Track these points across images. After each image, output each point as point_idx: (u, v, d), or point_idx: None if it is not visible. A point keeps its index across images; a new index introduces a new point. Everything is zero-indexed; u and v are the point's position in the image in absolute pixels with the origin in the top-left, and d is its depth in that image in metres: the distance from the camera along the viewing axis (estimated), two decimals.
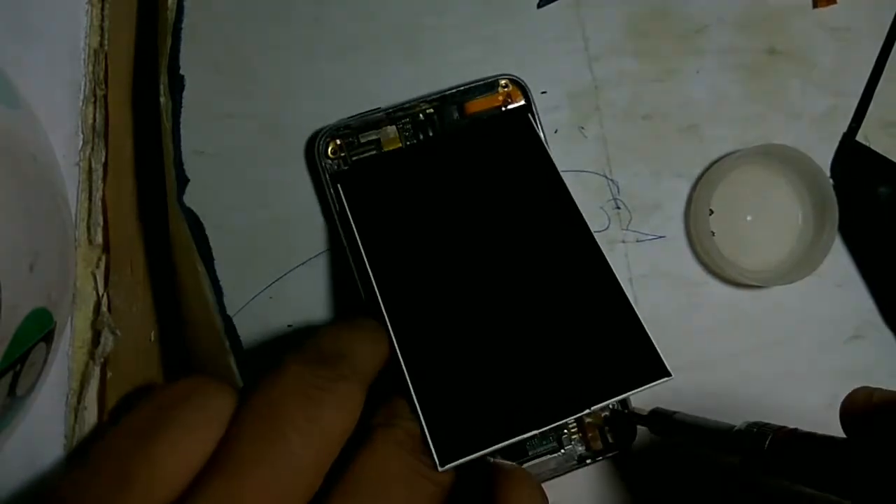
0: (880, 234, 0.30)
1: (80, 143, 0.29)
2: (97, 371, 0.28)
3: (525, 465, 0.26)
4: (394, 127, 0.27)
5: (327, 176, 0.27)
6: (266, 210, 0.28)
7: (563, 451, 0.27)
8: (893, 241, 0.30)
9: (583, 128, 0.30)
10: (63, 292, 0.27)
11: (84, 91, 0.29)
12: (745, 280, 0.29)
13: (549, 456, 0.27)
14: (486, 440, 0.22)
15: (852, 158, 0.31)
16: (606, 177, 0.30)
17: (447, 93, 0.27)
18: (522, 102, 0.28)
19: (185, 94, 0.28)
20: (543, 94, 0.30)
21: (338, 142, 0.27)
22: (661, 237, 0.30)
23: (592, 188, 0.30)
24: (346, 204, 0.26)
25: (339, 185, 0.26)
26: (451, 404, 0.23)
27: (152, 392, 0.21)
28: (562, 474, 0.27)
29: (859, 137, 0.31)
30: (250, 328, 0.28)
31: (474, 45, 0.30)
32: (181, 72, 0.28)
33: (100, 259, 0.29)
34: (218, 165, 0.28)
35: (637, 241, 0.30)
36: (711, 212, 0.30)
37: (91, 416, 0.27)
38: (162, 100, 0.28)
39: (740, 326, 0.30)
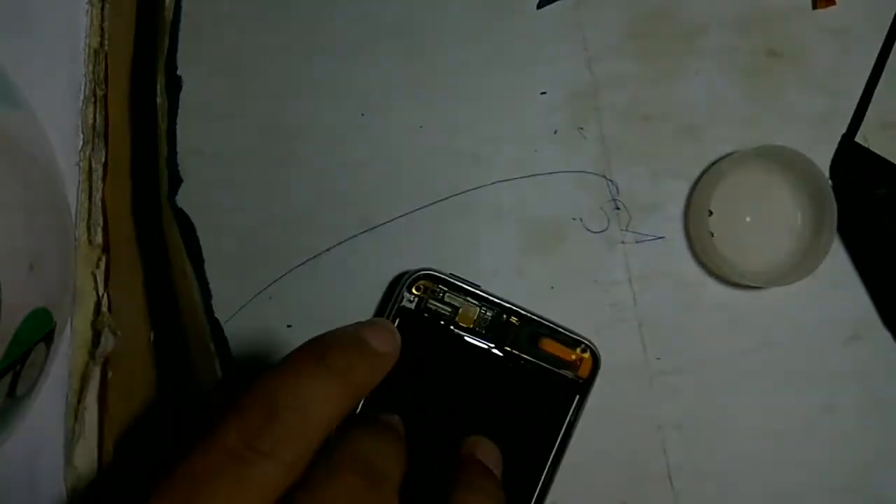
0: (878, 235, 0.31)
1: (80, 143, 0.29)
2: (97, 371, 0.28)
3: None
4: (477, 309, 0.27)
5: (397, 306, 0.27)
6: (265, 210, 0.28)
7: None
8: (891, 242, 0.30)
9: (582, 128, 0.30)
10: (63, 292, 0.27)
11: (84, 91, 0.29)
12: (745, 281, 0.29)
13: None
14: None
15: (851, 159, 0.31)
16: (606, 177, 0.30)
17: (537, 319, 0.28)
18: (586, 377, 0.28)
19: (184, 94, 0.28)
20: (543, 95, 0.30)
21: (427, 286, 0.27)
22: (660, 238, 0.30)
23: (592, 189, 0.30)
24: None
25: (398, 319, 0.27)
26: None
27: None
28: None
29: (858, 138, 0.31)
30: (249, 328, 0.28)
31: (474, 46, 0.30)
32: (179, 72, 0.28)
33: (100, 259, 0.29)
34: (217, 165, 0.28)
35: (636, 242, 0.30)
36: (710, 213, 0.30)
37: (91, 416, 0.27)
38: (158, 100, 0.28)
39: (739, 327, 0.30)
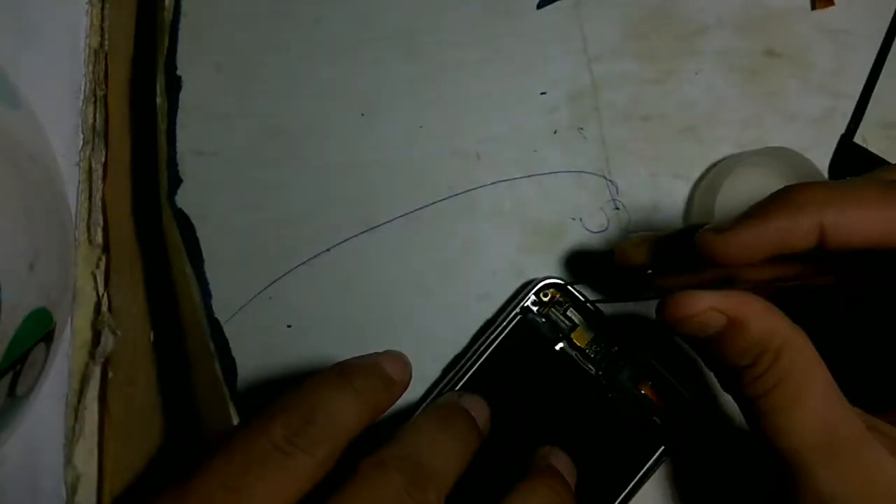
0: None
1: (81, 142, 0.29)
2: (97, 371, 0.28)
3: None
4: (592, 333, 0.28)
5: (519, 307, 0.27)
6: (266, 210, 0.28)
7: None
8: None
9: (582, 129, 0.30)
10: (63, 292, 0.27)
11: (84, 91, 0.29)
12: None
13: None
14: None
15: (850, 160, 0.31)
16: (605, 177, 0.30)
17: (648, 362, 0.27)
18: (664, 431, 0.27)
19: (185, 94, 0.28)
20: (543, 95, 0.30)
21: (554, 296, 0.28)
22: None
23: (591, 189, 0.30)
24: (505, 332, 0.27)
25: (518, 317, 0.27)
26: None
27: None
28: None
29: (857, 139, 0.31)
30: (250, 328, 0.28)
31: (474, 46, 0.30)
32: (179, 72, 0.28)
33: (100, 259, 0.29)
34: (217, 165, 0.28)
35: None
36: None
37: (91, 416, 0.27)
38: (158, 100, 0.28)
39: None
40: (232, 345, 0.27)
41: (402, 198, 0.29)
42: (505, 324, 0.27)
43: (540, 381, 0.27)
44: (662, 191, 0.30)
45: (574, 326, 0.28)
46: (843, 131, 0.31)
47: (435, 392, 0.27)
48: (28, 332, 0.24)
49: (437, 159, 0.29)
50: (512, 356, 0.27)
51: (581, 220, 0.30)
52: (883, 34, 0.32)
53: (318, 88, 0.29)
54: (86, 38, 0.29)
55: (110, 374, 0.28)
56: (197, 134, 0.28)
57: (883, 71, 0.31)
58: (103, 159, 0.29)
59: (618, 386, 0.27)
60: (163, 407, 0.28)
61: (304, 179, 0.29)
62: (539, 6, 0.30)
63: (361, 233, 0.29)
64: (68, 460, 0.27)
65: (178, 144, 0.28)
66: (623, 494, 0.27)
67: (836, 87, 0.31)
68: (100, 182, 0.29)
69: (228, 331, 0.27)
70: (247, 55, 0.29)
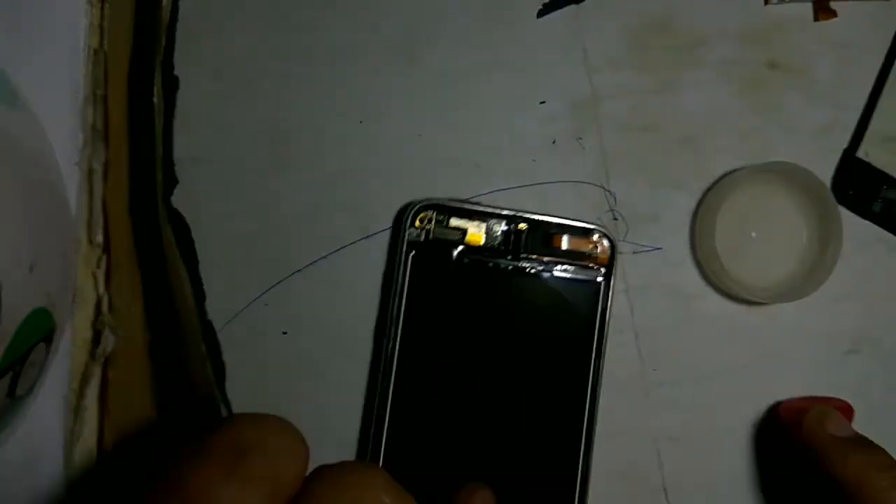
0: None
1: (81, 143, 0.29)
2: (98, 371, 0.28)
3: None
4: (484, 224, 0.28)
5: (405, 243, 0.27)
6: (262, 217, 0.29)
7: None
8: None
9: (581, 139, 0.30)
10: (63, 292, 0.28)
11: (84, 91, 0.29)
12: (752, 298, 0.29)
13: None
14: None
15: (853, 175, 0.31)
16: (604, 188, 0.30)
17: (545, 218, 0.28)
18: (607, 262, 0.28)
19: (183, 100, 0.28)
20: (542, 105, 0.30)
21: (429, 214, 0.28)
22: (658, 248, 0.30)
23: (590, 199, 0.30)
24: (408, 274, 0.27)
25: (411, 255, 0.27)
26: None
27: None
28: None
29: (860, 153, 0.31)
30: (245, 334, 0.28)
31: (473, 55, 0.29)
32: (176, 73, 0.28)
33: (100, 259, 0.29)
34: (215, 172, 0.28)
35: (634, 253, 0.30)
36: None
37: (91, 415, 0.28)
38: (155, 100, 0.28)
39: (736, 339, 0.30)
40: (227, 350, 0.27)
41: (400, 206, 0.29)
42: (403, 268, 0.27)
43: (471, 297, 0.28)
44: (661, 202, 0.30)
45: (464, 232, 0.28)
46: (844, 144, 0.31)
47: (382, 363, 0.27)
48: (28, 332, 0.25)
49: (436, 168, 0.29)
50: (432, 291, 0.27)
51: None
52: (886, 45, 0.31)
53: (316, 95, 0.29)
54: (85, 38, 0.29)
55: (110, 374, 0.28)
56: (195, 140, 0.28)
57: (886, 85, 0.31)
58: (103, 159, 0.29)
59: (536, 255, 0.28)
60: (161, 407, 0.28)
61: (302, 186, 0.29)
62: (539, 15, 0.30)
63: (359, 240, 0.29)
64: (68, 460, 0.27)
65: (176, 150, 0.28)
66: (595, 346, 0.28)
67: (837, 100, 0.31)
68: (100, 182, 0.29)
69: (224, 336, 0.27)
70: (245, 62, 0.29)
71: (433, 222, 0.27)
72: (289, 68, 0.29)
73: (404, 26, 0.29)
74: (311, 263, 0.28)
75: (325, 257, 0.29)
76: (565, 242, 0.28)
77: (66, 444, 0.27)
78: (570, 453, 0.28)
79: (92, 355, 0.28)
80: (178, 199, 0.28)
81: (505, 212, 0.28)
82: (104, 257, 0.29)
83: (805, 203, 0.30)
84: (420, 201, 0.28)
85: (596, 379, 0.28)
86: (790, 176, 0.30)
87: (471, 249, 0.28)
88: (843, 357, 0.31)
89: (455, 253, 0.27)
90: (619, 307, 0.30)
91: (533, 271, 0.28)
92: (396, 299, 0.27)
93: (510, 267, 0.28)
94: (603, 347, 0.28)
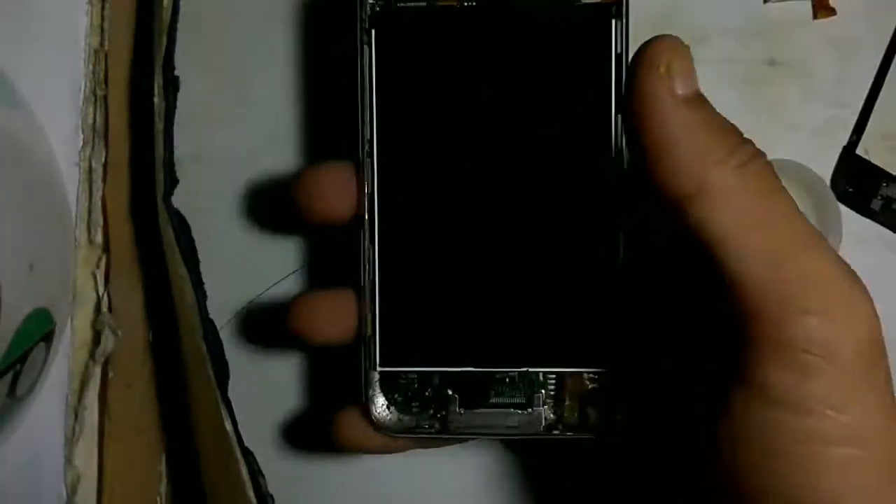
0: None
1: (80, 143, 0.29)
2: (98, 371, 0.28)
3: (482, 412, 0.23)
4: None
5: (367, 14, 0.22)
6: (262, 216, 0.29)
7: (529, 410, 0.23)
8: None
9: None
10: (63, 292, 0.28)
11: (84, 91, 0.29)
12: None
13: (513, 410, 0.23)
14: (435, 359, 0.22)
15: (852, 172, 0.31)
16: None
17: None
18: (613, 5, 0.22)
19: (184, 98, 0.28)
20: None
21: None
22: None
23: None
24: (373, 52, 0.22)
25: (372, 30, 0.22)
26: (413, 310, 0.22)
27: None
28: (519, 437, 0.23)
29: (859, 151, 0.31)
30: (245, 334, 0.28)
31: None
32: (176, 73, 0.28)
33: (100, 259, 0.29)
34: (215, 170, 0.28)
35: None
36: None
37: (91, 416, 0.27)
38: (155, 100, 0.28)
39: None
40: (227, 349, 0.27)
41: None
42: (367, 47, 0.22)
43: (459, 63, 0.22)
44: None
45: None
46: (844, 142, 0.31)
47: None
48: (28, 332, 0.25)
49: None
50: (407, 68, 0.22)
51: None
52: (885, 44, 0.31)
53: (316, 94, 0.29)
54: (86, 38, 0.29)
55: (110, 375, 0.28)
56: (196, 140, 0.28)
57: (886, 82, 0.31)
58: (103, 159, 0.29)
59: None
60: (161, 408, 0.28)
61: None
62: None
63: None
64: (68, 460, 0.27)
65: (176, 148, 0.28)
66: (613, 101, 0.22)
67: (838, 97, 0.31)
68: (100, 182, 0.29)
69: (223, 335, 0.27)
70: (246, 61, 0.29)
71: None
72: (289, 67, 0.29)
73: None
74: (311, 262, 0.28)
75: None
76: None
77: (66, 444, 0.27)
78: (607, 256, 0.22)
79: (92, 355, 0.28)
80: (179, 199, 0.28)
81: None
82: (104, 257, 0.29)
83: (804, 200, 0.30)
84: None
85: (618, 149, 0.22)
86: (789, 173, 0.30)
87: (445, 11, 0.22)
88: None
89: (425, 21, 0.22)
90: None
91: (522, 24, 0.22)
92: (365, 85, 0.22)
93: (494, 24, 0.22)
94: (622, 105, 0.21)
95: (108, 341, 0.28)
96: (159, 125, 0.28)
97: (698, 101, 0.20)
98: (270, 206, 0.29)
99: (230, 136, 0.29)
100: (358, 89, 0.23)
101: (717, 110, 0.30)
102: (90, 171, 0.29)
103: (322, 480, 0.28)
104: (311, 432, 0.28)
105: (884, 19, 0.31)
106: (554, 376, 0.23)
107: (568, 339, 0.22)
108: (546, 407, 0.23)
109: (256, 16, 0.29)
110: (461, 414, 0.23)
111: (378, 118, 0.23)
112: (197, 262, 0.27)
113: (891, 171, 0.31)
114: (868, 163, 0.31)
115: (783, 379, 0.17)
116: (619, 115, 0.22)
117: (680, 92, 0.19)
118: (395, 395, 0.23)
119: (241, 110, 0.29)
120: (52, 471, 0.27)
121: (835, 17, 0.31)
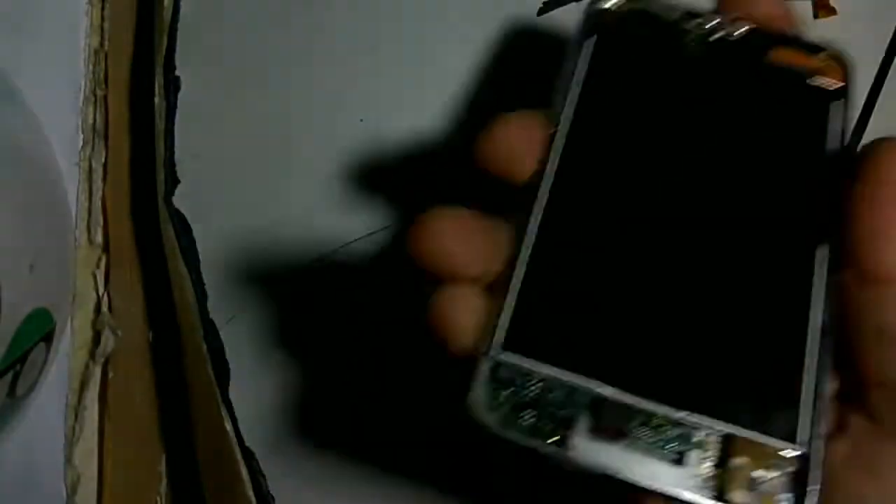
0: None
1: (80, 143, 0.29)
2: (98, 371, 0.28)
3: (613, 446, 0.17)
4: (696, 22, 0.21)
5: (590, 21, 0.20)
6: (264, 215, 0.29)
7: (680, 466, 0.17)
8: None
9: None
10: (63, 292, 0.28)
11: (84, 91, 0.29)
12: None
13: (656, 460, 0.17)
14: (576, 361, 0.17)
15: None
16: None
17: (764, 31, 0.21)
18: (840, 84, 0.22)
19: (184, 97, 0.28)
20: None
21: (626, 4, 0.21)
22: None
23: None
24: (589, 62, 0.20)
25: (595, 36, 0.20)
26: (567, 292, 0.18)
27: None
28: (652, 491, 0.17)
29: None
30: (246, 333, 0.28)
31: (474, 52, 0.29)
32: (177, 73, 0.28)
33: (100, 259, 0.29)
34: (215, 169, 0.28)
35: None
36: None
37: (91, 416, 0.27)
38: (156, 100, 0.28)
39: None
40: (227, 349, 0.27)
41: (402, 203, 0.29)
42: (577, 53, 0.20)
43: (685, 96, 0.20)
44: None
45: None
46: (844, 141, 0.31)
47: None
48: (28, 332, 0.25)
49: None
50: (624, 91, 0.20)
51: None
52: (884, 44, 0.31)
53: (316, 93, 0.29)
54: (86, 38, 0.29)
55: (110, 375, 0.28)
56: (196, 138, 0.28)
57: (885, 85, 0.31)
58: (103, 159, 0.29)
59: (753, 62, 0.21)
60: (161, 408, 0.28)
61: (304, 184, 0.29)
62: (540, 13, 0.30)
63: (359, 238, 0.29)
64: (68, 460, 0.27)
65: (177, 148, 0.28)
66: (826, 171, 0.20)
67: None
68: (100, 182, 0.29)
69: (224, 334, 0.27)
70: (246, 60, 0.29)
71: (627, 14, 0.20)
72: (289, 66, 0.29)
73: (405, 24, 0.29)
74: (312, 261, 0.28)
75: (325, 256, 0.29)
76: (787, 55, 0.21)
77: (66, 444, 0.27)
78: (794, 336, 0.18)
79: (92, 355, 0.28)
80: (179, 199, 0.28)
81: (719, 17, 0.21)
82: (104, 257, 0.29)
83: None
84: None
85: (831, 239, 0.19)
86: None
87: (681, 37, 0.20)
88: None
89: (658, 40, 0.20)
90: None
91: (750, 80, 0.20)
92: (567, 89, 0.20)
93: (726, 67, 0.20)
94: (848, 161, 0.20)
95: (108, 341, 0.28)
96: (160, 125, 0.28)
97: None
98: (271, 205, 0.29)
99: (230, 136, 0.29)
100: (569, 79, 0.20)
101: None
102: (90, 171, 0.29)
103: (322, 480, 0.28)
104: (312, 432, 0.28)
105: (884, 19, 0.31)
106: (721, 437, 0.17)
107: (751, 397, 0.18)
108: (704, 468, 0.17)
109: (257, 16, 0.29)
110: (589, 443, 0.17)
111: (578, 118, 0.20)
112: (197, 261, 0.28)
113: None
114: None
115: None
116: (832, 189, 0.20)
117: None
118: (506, 393, 0.17)
119: (241, 110, 0.29)
120: (52, 471, 0.27)
121: (835, 17, 0.31)
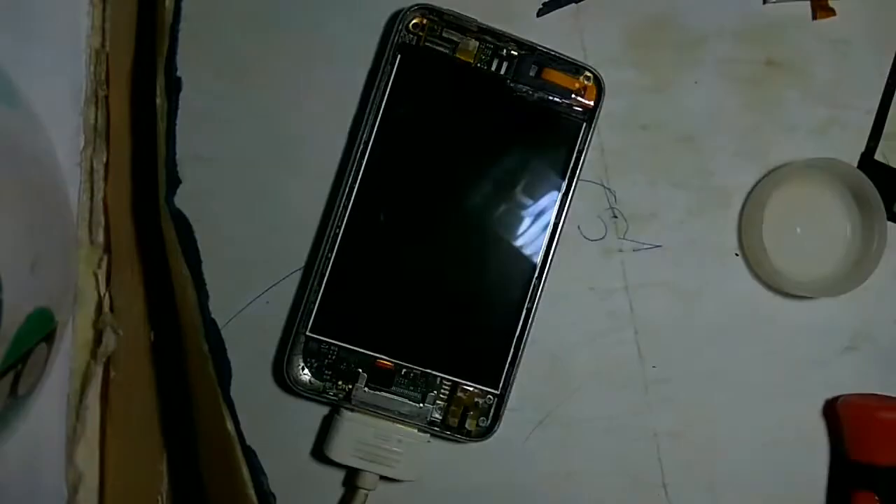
0: None
1: (82, 143, 0.29)
2: (99, 371, 0.28)
3: (383, 395, 0.28)
4: (476, 43, 0.27)
5: (395, 43, 0.27)
6: (264, 215, 0.29)
7: (420, 405, 0.28)
8: None
9: None
10: (64, 292, 0.28)
11: (86, 92, 0.29)
12: (799, 292, 0.30)
13: (405, 400, 0.28)
14: (358, 339, 0.27)
15: (872, 176, 0.30)
16: (604, 186, 0.30)
17: (539, 48, 0.28)
18: (591, 104, 0.28)
19: (185, 99, 0.28)
20: None
21: (425, 21, 0.27)
22: (657, 246, 0.30)
23: (590, 197, 0.30)
24: (392, 77, 0.27)
25: (398, 56, 0.27)
26: (355, 295, 0.27)
27: None
28: (404, 424, 0.27)
29: (878, 156, 0.31)
30: (246, 332, 0.28)
31: None
32: (178, 73, 0.28)
33: (101, 259, 0.29)
34: (216, 170, 0.29)
35: (634, 251, 0.30)
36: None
37: (93, 415, 0.27)
38: (158, 101, 0.28)
39: (734, 336, 0.31)
40: (229, 348, 0.27)
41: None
42: (388, 70, 0.27)
43: (451, 107, 0.28)
44: (661, 199, 0.30)
45: (455, 45, 0.27)
46: (843, 142, 0.31)
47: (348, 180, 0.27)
48: (29, 332, 0.25)
49: None
50: (413, 96, 0.27)
51: (579, 227, 0.30)
52: (883, 44, 0.32)
53: (317, 95, 0.29)
54: (87, 38, 0.29)
55: (112, 374, 0.28)
56: (197, 139, 0.28)
57: None
58: (105, 160, 0.29)
59: (521, 83, 0.28)
60: (162, 407, 0.28)
61: (304, 185, 0.29)
62: (539, 14, 0.30)
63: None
64: (69, 460, 0.27)
65: (178, 149, 0.28)
66: (564, 188, 0.28)
67: (836, 98, 0.31)
68: (101, 182, 0.29)
69: (224, 334, 0.27)
70: (247, 61, 0.29)
71: (426, 30, 0.27)
72: (290, 67, 0.29)
73: None
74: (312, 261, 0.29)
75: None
76: (554, 76, 0.28)
77: (67, 443, 0.27)
78: (519, 286, 0.28)
79: (93, 355, 0.28)
80: (180, 199, 0.28)
81: (500, 32, 0.27)
82: (105, 257, 0.29)
83: (848, 199, 0.31)
84: (415, 6, 0.27)
85: (557, 224, 0.28)
86: (834, 173, 0.30)
87: (459, 64, 0.27)
88: (840, 354, 0.31)
89: (442, 65, 0.27)
90: (618, 304, 0.30)
91: (516, 97, 0.28)
92: (376, 100, 0.27)
93: (494, 89, 0.27)
94: (571, 191, 0.28)
95: (109, 341, 0.28)
96: (161, 126, 0.28)
97: None
98: (271, 206, 0.29)
99: (230, 136, 0.29)
100: (371, 100, 0.27)
101: (716, 111, 0.31)
102: (92, 171, 0.29)
103: (323, 480, 0.28)
104: (313, 432, 0.28)
105: (882, 20, 0.31)
106: (450, 384, 0.28)
107: (470, 358, 0.28)
108: (435, 406, 0.28)
109: (257, 16, 0.29)
110: (365, 392, 0.27)
111: (377, 130, 0.27)
112: (199, 262, 0.28)
113: None
114: (888, 167, 0.31)
115: None
116: (563, 201, 0.28)
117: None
118: (313, 361, 0.27)
119: (241, 110, 0.29)
120: (54, 470, 0.27)
121: (834, 18, 0.31)
